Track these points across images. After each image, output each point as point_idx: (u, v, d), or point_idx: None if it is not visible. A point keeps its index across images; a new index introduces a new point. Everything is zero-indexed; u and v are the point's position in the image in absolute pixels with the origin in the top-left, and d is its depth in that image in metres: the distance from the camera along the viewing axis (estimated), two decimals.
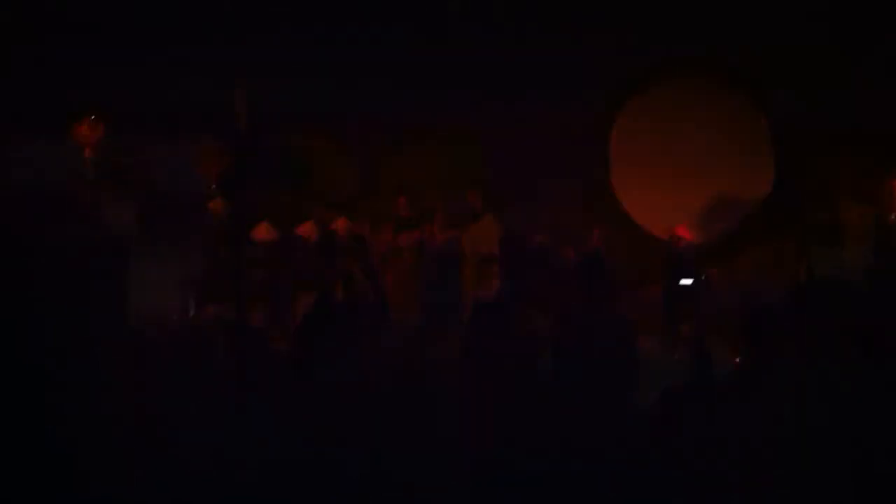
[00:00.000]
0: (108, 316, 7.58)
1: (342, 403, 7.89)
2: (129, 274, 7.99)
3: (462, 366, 8.40)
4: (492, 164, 10.43)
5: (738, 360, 7.37)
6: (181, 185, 8.67)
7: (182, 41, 9.21)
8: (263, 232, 9.53)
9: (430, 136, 10.71)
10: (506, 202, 10.12)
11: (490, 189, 10.17)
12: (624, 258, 9.73)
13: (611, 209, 10.34)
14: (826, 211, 9.77)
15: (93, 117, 7.94)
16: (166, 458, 7.25)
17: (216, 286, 8.47)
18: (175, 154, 8.71)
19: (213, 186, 8.94)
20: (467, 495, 7.40)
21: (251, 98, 8.28)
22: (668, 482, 6.98)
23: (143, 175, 8.29)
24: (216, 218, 8.90)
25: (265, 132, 9.00)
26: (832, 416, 6.43)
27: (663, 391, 7.60)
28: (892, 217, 8.80)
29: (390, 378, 8.19)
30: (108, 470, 7.07)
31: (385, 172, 10.73)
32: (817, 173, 10.16)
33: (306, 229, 9.80)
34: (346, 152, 10.63)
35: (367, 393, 7.99)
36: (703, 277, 9.45)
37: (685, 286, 9.39)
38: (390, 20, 9.77)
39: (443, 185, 10.40)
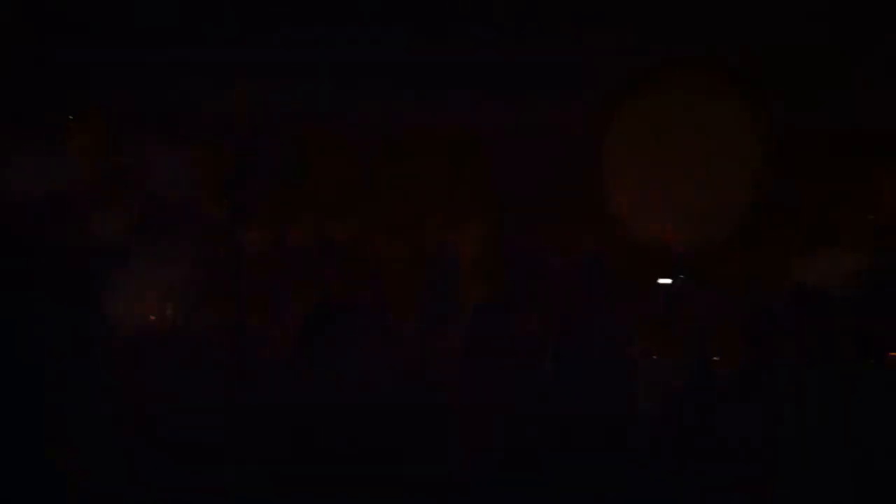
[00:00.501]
0: (104, 317, 7.57)
1: (343, 403, 7.89)
2: (126, 275, 7.98)
3: (462, 366, 8.41)
4: (491, 165, 10.40)
5: (716, 359, 7.34)
6: (179, 186, 8.65)
7: (181, 41, 9.20)
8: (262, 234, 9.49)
9: (429, 138, 10.67)
10: (505, 203, 10.09)
11: (489, 190, 10.15)
12: (623, 260, 9.69)
13: (609, 211, 10.27)
14: (826, 212, 9.75)
15: (92, 119, 7.94)
16: (164, 458, 7.24)
17: (214, 288, 8.45)
18: (173, 155, 8.69)
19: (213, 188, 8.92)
20: (467, 494, 7.41)
21: (250, 98, 8.27)
22: (666, 482, 6.99)
23: (141, 176, 8.27)
24: (215, 219, 8.87)
25: (264, 133, 8.99)
26: (828, 415, 6.42)
27: (663, 392, 7.61)
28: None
29: (390, 379, 8.19)
30: (106, 470, 7.06)
31: (384, 174, 10.68)
32: (817, 174, 10.13)
33: (305, 231, 9.77)
34: (345, 154, 10.59)
35: (366, 393, 7.98)
36: (687, 280, 9.35)
37: (670, 288, 9.30)
38: (390, 20, 9.75)
39: (442, 187, 10.37)
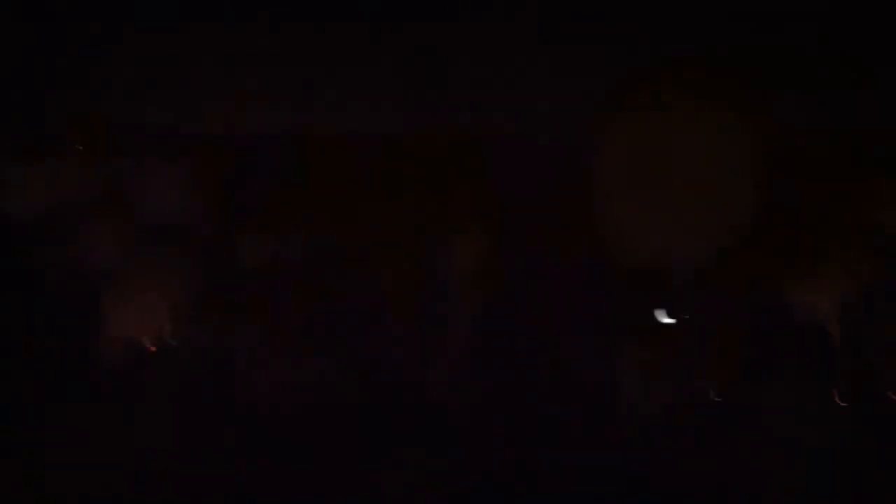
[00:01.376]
0: (96, 338, 7.58)
1: (346, 405, 7.91)
2: (121, 291, 7.99)
3: (462, 369, 8.41)
4: (490, 168, 10.35)
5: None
6: (173, 201, 8.64)
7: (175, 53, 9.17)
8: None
9: (428, 141, 10.61)
10: (505, 206, 10.06)
11: (489, 194, 10.11)
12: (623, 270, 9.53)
13: (610, 220, 10.02)
14: (828, 220, 9.63)
15: (86, 135, 7.96)
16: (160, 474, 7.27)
17: (209, 304, 8.45)
18: (167, 169, 8.68)
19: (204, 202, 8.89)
20: (466, 495, 7.44)
21: (245, 109, 8.26)
22: (661, 490, 6.99)
23: (133, 191, 8.26)
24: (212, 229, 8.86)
25: (261, 138, 8.98)
26: (824, 434, 6.39)
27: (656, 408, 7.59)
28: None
29: (390, 383, 8.20)
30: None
31: (382, 179, 10.61)
32: (819, 179, 10.00)
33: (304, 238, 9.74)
34: (344, 160, 10.55)
35: (368, 397, 7.99)
36: (686, 315, 9.17)
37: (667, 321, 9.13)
38: (388, 23, 9.73)
39: (442, 191, 10.32)
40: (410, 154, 10.56)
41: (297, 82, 9.70)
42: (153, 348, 7.92)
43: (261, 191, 9.49)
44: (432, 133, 10.55)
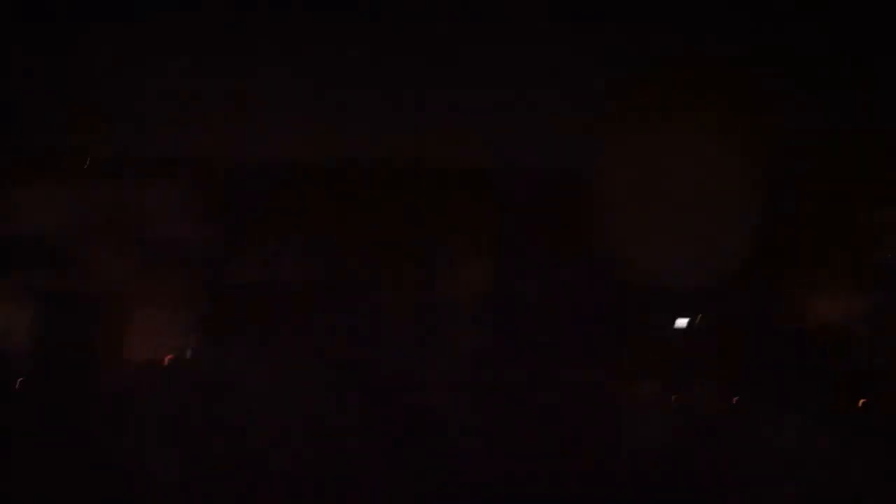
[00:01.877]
0: (103, 363, 7.61)
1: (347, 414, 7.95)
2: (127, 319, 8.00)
3: (463, 381, 8.44)
4: (489, 175, 10.35)
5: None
6: (176, 226, 8.65)
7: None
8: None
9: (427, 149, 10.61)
10: (506, 212, 10.06)
11: (490, 202, 10.12)
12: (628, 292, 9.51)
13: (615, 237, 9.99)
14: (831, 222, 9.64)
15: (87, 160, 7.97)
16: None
17: (215, 327, 8.46)
18: (168, 195, 8.68)
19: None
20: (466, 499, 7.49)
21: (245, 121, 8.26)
22: None
23: (136, 217, 8.27)
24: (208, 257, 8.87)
25: (260, 164, 8.98)
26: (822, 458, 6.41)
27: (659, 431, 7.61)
28: None
29: (392, 396, 8.24)
30: None
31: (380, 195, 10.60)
32: (820, 180, 10.00)
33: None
34: (343, 161, 10.54)
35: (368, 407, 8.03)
36: (697, 320, 9.17)
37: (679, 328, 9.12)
38: (386, 24, 9.73)
39: (442, 196, 10.32)
40: (408, 156, 10.57)
41: (297, 83, 9.70)
42: (162, 362, 7.97)
43: (263, 207, 9.51)
44: (430, 134, 10.56)
